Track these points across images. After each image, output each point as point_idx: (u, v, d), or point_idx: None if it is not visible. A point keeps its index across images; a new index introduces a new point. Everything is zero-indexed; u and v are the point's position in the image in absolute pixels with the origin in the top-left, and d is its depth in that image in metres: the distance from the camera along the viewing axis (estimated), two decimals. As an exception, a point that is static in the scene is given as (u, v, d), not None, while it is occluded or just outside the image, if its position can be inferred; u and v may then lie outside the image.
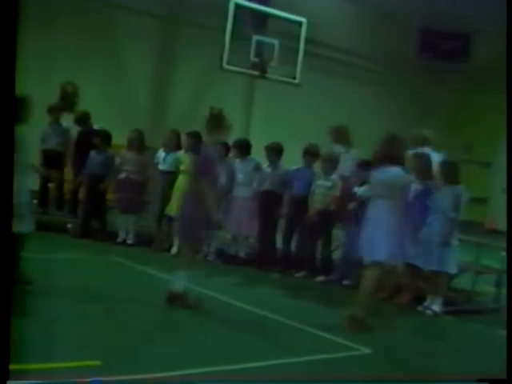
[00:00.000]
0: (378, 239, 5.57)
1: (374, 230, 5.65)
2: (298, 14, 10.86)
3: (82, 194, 9.21)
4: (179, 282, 5.63)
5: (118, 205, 8.81)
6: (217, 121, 5.93)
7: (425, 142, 7.69)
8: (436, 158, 7.32)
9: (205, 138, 6.20)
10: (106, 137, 8.96)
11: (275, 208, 8.08)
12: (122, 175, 8.73)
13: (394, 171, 5.69)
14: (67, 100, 10.85)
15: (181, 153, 8.63)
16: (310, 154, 8.06)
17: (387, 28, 14.40)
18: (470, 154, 13.29)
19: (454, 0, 14.11)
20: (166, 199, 8.50)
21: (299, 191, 7.92)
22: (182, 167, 8.48)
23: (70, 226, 8.95)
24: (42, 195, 9.41)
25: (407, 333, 5.97)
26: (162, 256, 8.28)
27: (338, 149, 8.23)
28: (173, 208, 8.42)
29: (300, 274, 7.85)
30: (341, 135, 8.44)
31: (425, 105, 15.29)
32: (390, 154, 5.75)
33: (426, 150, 7.55)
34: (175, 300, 5.56)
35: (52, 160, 9.28)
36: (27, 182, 5.71)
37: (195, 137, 8.57)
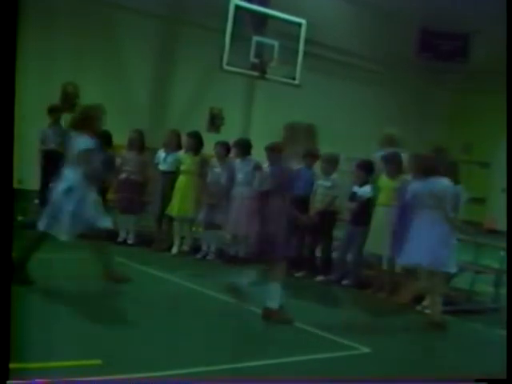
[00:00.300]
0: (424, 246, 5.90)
1: (419, 239, 6.00)
2: (297, 14, 10.89)
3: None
4: (274, 297, 5.55)
5: (118, 205, 8.83)
6: (307, 132, 5.82)
7: (392, 142, 7.70)
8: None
9: (288, 150, 5.81)
10: (106, 137, 8.99)
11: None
12: (123, 175, 8.76)
13: (443, 182, 5.99)
14: (68, 101, 10.89)
15: (181, 153, 8.66)
16: (310, 155, 8.09)
17: (387, 28, 14.41)
18: (469, 154, 13.33)
19: (453, 0, 14.14)
20: (166, 199, 8.53)
21: (299, 191, 7.94)
22: (183, 167, 8.52)
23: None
24: (42, 195, 9.46)
25: (406, 332, 5.99)
26: (162, 256, 8.31)
27: None
28: (174, 208, 8.45)
29: (300, 274, 7.87)
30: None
31: (425, 105, 15.30)
32: (437, 165, 6.07)
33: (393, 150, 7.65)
34: (271, 315, 5.47)
35: (51, 160, 9.33)
36: (88, 194, 5.74)
37: (195, 137, 8.62)
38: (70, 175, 5.71)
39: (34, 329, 4.23)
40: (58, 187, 5.73)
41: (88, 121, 5.94)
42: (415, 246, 6.07)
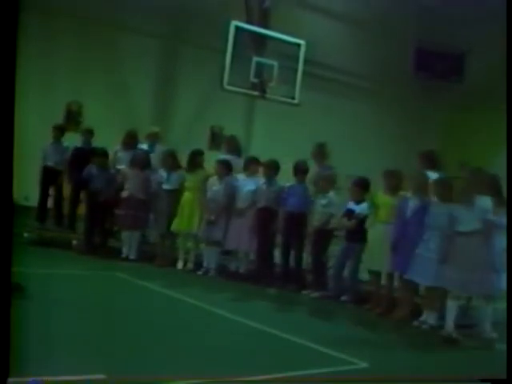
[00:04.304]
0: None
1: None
2: (296, 35, 11.03)
3: (83, 211, 9.35)
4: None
5: (122, 221, 8.95)
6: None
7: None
8: None
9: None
10: (103, 154, 9.14)
11: (271, 224, 8.22)
12: (126, 192, 8.89)
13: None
14: (72, 119, 11.04)
15: (182, 171, 8.84)
16: (300, 170, 8.22)
17: (384, 48, 14.58)
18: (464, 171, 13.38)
19: (449, 20, 14.37)
20: (171, 217, 8.66)
21: (293, 207, 8.06)
22: (187, 184, 8.65)
23: (74, 242, 9.10)
24: (41, 211, 9.58)
25: (404, 347, 6.07)
26: (164, 271, 8.41)
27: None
28: (180, 224, 8.56)
29: (294, 289, 7.94)
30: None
31: (422, 122, 15.42)
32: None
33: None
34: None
35: (50, 177, 9.49)
36: None
37: (198, 155, 8.84)
38: None
39: (36, 344, 4.25)
40: None
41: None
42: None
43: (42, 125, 9.76)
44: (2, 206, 3.39)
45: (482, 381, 4.17)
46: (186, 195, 8.64)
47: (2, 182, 3.38)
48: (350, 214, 7.56)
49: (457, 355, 5.93)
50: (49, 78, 10.88)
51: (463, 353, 6.06)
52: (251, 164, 8.58)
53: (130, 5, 11.67)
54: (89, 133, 9.63)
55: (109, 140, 9.65)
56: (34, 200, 9.67)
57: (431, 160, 8.03)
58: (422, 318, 6.74)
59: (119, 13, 11.60)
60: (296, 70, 10.80)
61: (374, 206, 7.42)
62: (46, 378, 3.59)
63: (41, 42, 10.49)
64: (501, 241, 6.35)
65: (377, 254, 7.16)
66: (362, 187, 7.63)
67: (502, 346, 5.85)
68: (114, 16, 11.67)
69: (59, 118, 10.66)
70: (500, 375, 4.21)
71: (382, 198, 7.35)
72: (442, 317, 6.71)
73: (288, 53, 11.03)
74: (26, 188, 8.69)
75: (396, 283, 7.23)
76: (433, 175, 7.70)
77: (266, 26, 11.47)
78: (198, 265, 8.62)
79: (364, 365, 5.00)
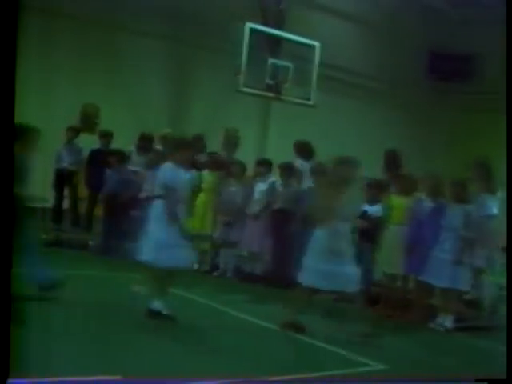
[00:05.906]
0: None
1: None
2: (311, 37, 11.01)
3: (101, 212, 9.40)
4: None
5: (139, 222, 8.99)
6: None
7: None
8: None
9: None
10: (121, 155, 9.18)
11: (287, 226, 8.25)
12: (143, 194, 8.94)
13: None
14: (88, 121, 11.09)
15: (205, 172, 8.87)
16: (317, 172, 8.24)
17: (395, 49, 14.55)
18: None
19: (460, 22, 14.34)
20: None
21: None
22: (204, 185, 8.67)
23: (91, 243, 9.16)
24: (57, 212, 9.64)
25: (420, 349, 6.06)
26: (179, 272, 8.44)
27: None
28: (196, 224, 8.60)
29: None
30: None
31: (433, 123, 15.36)
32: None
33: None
34: None
35: (64, 179, 9.54)
36: None
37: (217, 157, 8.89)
38: None
39: (52, 344, 4.32)
40: None
41: None
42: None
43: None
44: (2, 207, 3.41)
45: (482, 381, 4.17)
46: (200, 196, 8.68)
47: (2, 183, 3.40)
48: (362, 214, 7.56)
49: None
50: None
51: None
52: (261, 166, 8.62)
53: (143, 7, 11.68)
54: (107, 135, 9.69)
55: (122, 142, 9.71)
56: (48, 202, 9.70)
57: (304, 150, 8.51)
58: (438, 320, 6.72)
59: (124, 14, 11.61)
60: (311, 72, 10.78)
61: (389, 208, 7.43)
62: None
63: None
64: None
65: (391, 256, 7.16)
66: (375, 189, 7.63)
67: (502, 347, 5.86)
68: (121, 17, 11.67)
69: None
70: (500, 375, 4.20)
71: (396, 199, 7.35)
72: (457, 319, 6.71)
73: (303, 54, 11.00)
74: (45, 190, 8.75)
75: (411, 285, 7.24)
76: (304, 164, 8.31)
77: (281, 28, 11.45)
78: (214, 266, 8.65)
79: (381, 366, 5.02)
